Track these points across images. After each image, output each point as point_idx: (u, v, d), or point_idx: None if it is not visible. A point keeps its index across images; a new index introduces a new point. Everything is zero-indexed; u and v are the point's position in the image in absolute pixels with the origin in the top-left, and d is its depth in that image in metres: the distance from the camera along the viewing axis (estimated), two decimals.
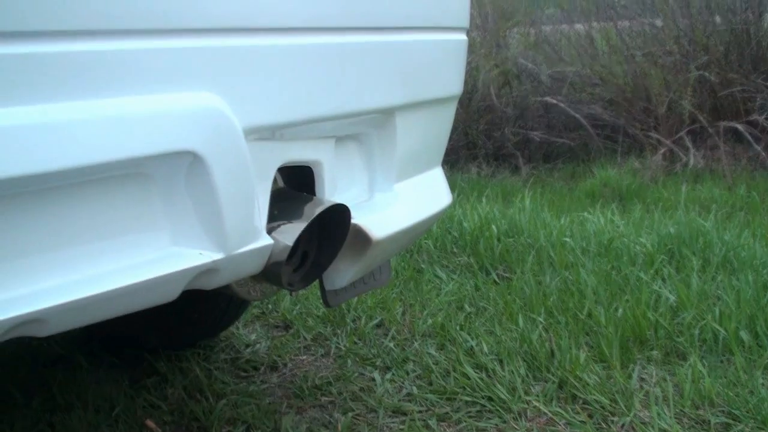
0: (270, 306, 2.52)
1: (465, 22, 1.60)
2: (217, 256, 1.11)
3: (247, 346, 2.27)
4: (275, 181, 1.25)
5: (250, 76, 1.12)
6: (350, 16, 1.29)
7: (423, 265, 2.94)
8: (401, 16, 1.40)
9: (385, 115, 1.42)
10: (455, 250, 3.08)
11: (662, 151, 5.40)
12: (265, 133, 1.18)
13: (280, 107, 1.18)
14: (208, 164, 1.06)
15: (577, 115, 5.85)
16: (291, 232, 1.23)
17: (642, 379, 2.02)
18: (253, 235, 1.17)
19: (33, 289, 0.95)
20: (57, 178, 0.94)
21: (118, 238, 1.05)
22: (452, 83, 1.59)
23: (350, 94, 1.31)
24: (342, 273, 1.46)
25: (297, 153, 1.28)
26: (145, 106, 1.00)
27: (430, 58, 1.50)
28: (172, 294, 1.11)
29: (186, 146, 1.03)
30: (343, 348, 2.23)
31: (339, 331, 2.34)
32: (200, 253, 1.10)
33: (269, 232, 1.21)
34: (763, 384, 1.94)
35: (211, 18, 1.07)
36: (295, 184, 1.35)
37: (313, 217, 1.24)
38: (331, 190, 1.36)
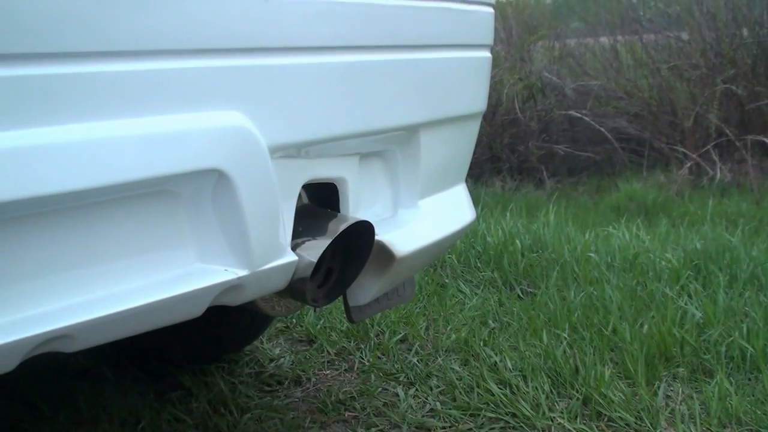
0: (294, 320, 2.53)
1: (489, 39, 1.60)
2: (243, 272, 1.12)
3: (271, 360, 2.27)
4: (300, 197, 1.26)
5: (275, 95, 1.13)
6: (375, 35, 1.30)
7: (447, 280, 2.94)
8: (425, 34, 1.41)
9: (409, 133, 1.43)
10: (479, 264, 3.08)
11: (688, 164, 5.36)
12: (290, 151, 1.19)
13: (305, 125, 1.19)
14: (234, 182, 1.07)
15: (602, 129, 5.83)
16: (315, 249, 1.24)
17: (668, 397, 2.00)
18: (278, 252, 1.18)
19: (61, 306, 0.96)
20: (85, 197, 0.96)
21: (144, 254, 1.06)
22: (476, 100, 1.59)
23: (375, 111, 1.32)
24: (366, 289, 1.46)
25: (321, 170, 1.29)
26: (172, 125, 1.01)
27: (454, 75, 1.51)
28: (197, 310, 1.12)
29: (212, 164, 1.05)
30: (367, 363, 2.24)
31: (363, 346, 2.34)
32: (225, 270, 1.11)
33: (294, 248, 1.22)
34: None
35: (236, 38, 1.08)
36: (319, 201, 1.36)
37: (337, 234, 1.25)
38: (356, 207, 1.37)
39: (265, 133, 1.11)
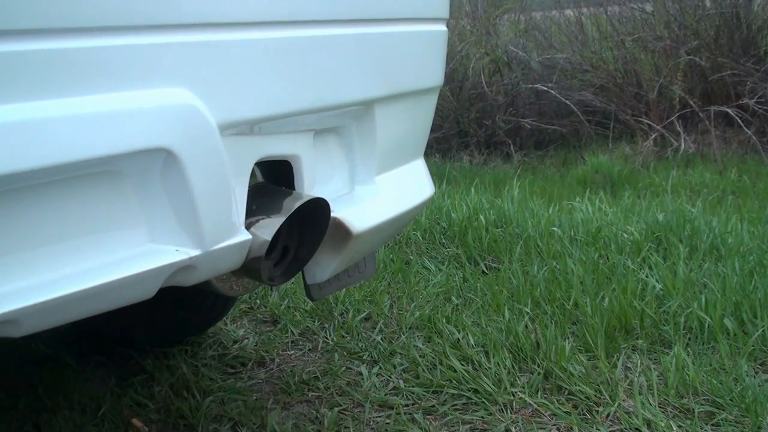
0: (258, 301, 2.52)
1: (444, 12, 1.59)
2: (194, 252, 1.10)
3: (235, 341, 2.26)
4: (254, 175, 1.25)
5: (224, 72, 1.11)
6: (327, 9, 1.28)
7: (411, 257, 2.94)
8: (379, 8, 1.39)
9: (365, 108, 1.41)
10: (444, 241, 3.08)
11: (653, 136, 5.40)
12: (241, 128, 1.17)
13: (256, 102, 1.17)
14: (183, 161, 1.05)
15: (568, 102, 5.84)
16: (270, 227, 1.22)
17: (627, 369, 2.02)
18: (231, 231, 1.16)
19: (5, 290, 0.94)
20: (29, 177, 0.93)
21: (93, 235, 1.04)
22: (432, 74, 1.58)
23: (328, 87, 1.30)
24: (323, 266, 1.45)
25: (275, 147, 1.27)
26: (118, 103, 0.99)
27: (410, 49, 1.49)
28: (149, 291, 1.10)
29: (159, 143, 1.03)
30: (331, 342, 2.23)
31: (327, 326, 2.33)
32: (177, 250, 1.10)
33: (248, 227, 1.20)
34: (746, 372, 1.95)
35: (183, 13, 1.06)
36: (275, 179, 1.35)
37: (291, 212, 1.23)
38: (311, 184, 1.35)
39: (214, 111, 1.09)
